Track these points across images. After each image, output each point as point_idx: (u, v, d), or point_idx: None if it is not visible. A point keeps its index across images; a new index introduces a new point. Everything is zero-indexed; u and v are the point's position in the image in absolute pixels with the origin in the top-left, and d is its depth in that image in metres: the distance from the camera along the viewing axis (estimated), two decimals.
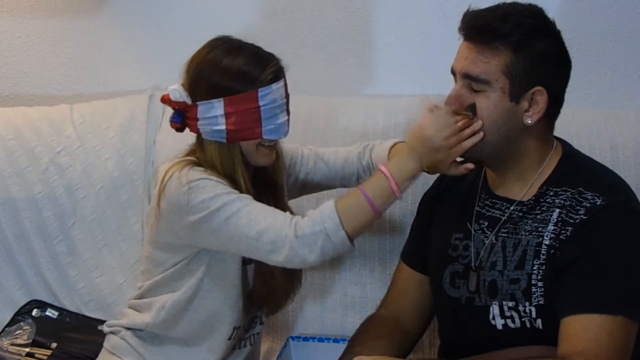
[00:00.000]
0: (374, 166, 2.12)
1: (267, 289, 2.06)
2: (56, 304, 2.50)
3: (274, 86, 1.92)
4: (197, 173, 1.92)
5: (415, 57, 2.70)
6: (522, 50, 1.80)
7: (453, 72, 1.87)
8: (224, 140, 1.94)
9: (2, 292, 2.50)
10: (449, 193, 2.06)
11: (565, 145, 1.94)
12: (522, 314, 1.83)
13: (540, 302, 1.81)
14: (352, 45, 2.73)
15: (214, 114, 1.92)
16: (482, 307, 1.89)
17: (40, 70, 2.84)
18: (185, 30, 2.74)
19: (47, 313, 2.47)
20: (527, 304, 1.82)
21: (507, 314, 1.85)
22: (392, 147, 2.12)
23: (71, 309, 2.50)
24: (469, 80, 1.83)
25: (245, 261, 2.02)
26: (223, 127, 1.92)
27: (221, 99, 1.91)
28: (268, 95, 1.92)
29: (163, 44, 2.79)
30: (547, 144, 1.90)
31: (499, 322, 1.86)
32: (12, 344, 2.39)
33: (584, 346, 1.70)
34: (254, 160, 1.99)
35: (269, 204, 1.97)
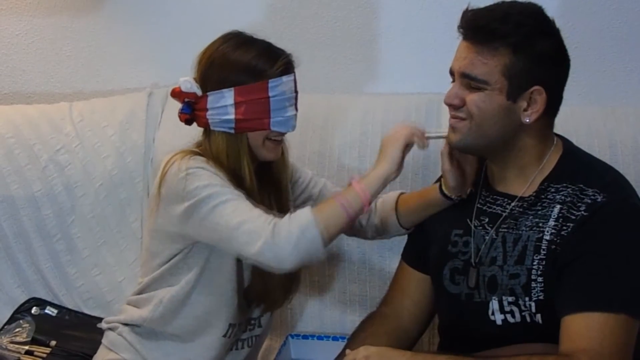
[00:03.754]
0: (380, 220, 2.15)
1: (263, 284, 2.05)
2: (55, 301, 2.51)
3: (285, 79, 1.95)
4: (197, 162, 1.93)
5: (416, 54, 2.70)
6: (522, 50, 1.79)
7: (451, 72, 1.87)
8: (232, 131, 1.96)
9: (1, 290, 2.51)
10: None
11: (566, 143, 1.93)
12: (522, 308, 1.83)
13: (540, 298, 1.81)
14: (351, 44, 2.73)
15: (224, 104, 1.94)
16: (481, 302, 1.89)
17: (39, 68, 2.84)
18: (184, 28, 2.74)
19: (46, 311, 2.47)
20: (526, 299, 1.82)
21: (507, 309, 1.85)
22: (398, 198, 2.13)
23: (70, 306, 2.51)
24: (468, 79, 1.82)
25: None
26: (232, 116, 1.94)
27: (232, 88, 1.93)
28: (278, 86, 1.94)
29: (162, 42, 2.79)
30: (547, 141, 1.89)
31: (498, 317, 1.86)
32: (12, 342, 2.39)
33: (587, 344, 1.71)
34: (260, 154, 2.00)
35: (271, 202, 2.01)
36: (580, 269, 1.76)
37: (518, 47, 1.78)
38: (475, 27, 1.81)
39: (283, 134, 2.01)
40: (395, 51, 2.71)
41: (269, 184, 2.05)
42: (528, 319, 1.83)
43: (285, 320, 2.50)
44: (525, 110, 1.82)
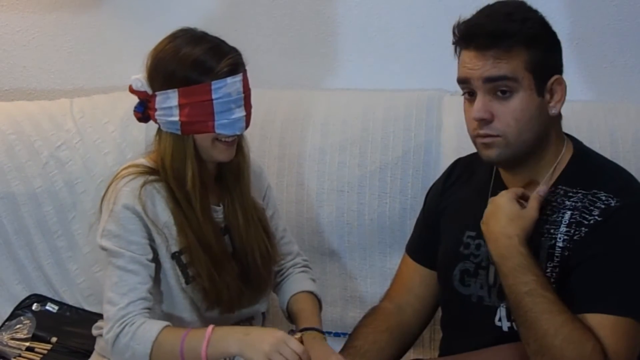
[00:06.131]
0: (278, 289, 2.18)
1: (214, 285, 2.00)
2: (56, 298, 2.51)
3: (229, 80, 1.90)
4: (129, 197, 1.94)
5: (417, 50, 2.70)
6: (534, 43, 1.77)
7: (464, 81, 1.80)
8: (179, 132, 1.94)
9: (2, 286, 2.50)
10: (459, 189, 2.02)
11: (577, 143, 1.91)
12: None
13: None
14: (352, 40, 2.73)
15: (169, 105, 1.92)
16: (490, 307, 1.87)
17: (40, 64, 2.84)
18: (184, 24, 2.72)
19: (47, 307, 2.48)
20: None
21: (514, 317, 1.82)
22: (295, 295, 2.13)
23: (71, 303, 2.51)
24: (495, 83, 1.76)
25: (186, 281, 1.99)
26: (177, 118, 1.92)
27: (176, 89, 1.90)
28: (222, 88, 1.90)
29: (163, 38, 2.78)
30: (561, 137, 1.87)
31: (504, 324, 1.85)
32: (12, 338, 2.39)
33: None
34: (210, 156, 1.97)
35: (232, 194, 2.01)
36: (590, 271, 1.74)
37: (530, 41, 1.76)
38: (482, 35, 1.76)
39: (231, 136, 1.97)
40: (396, 47, 2.70)
41: (230, 180, 2.04)
42: None
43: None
44: (549, 102, 1.80)
